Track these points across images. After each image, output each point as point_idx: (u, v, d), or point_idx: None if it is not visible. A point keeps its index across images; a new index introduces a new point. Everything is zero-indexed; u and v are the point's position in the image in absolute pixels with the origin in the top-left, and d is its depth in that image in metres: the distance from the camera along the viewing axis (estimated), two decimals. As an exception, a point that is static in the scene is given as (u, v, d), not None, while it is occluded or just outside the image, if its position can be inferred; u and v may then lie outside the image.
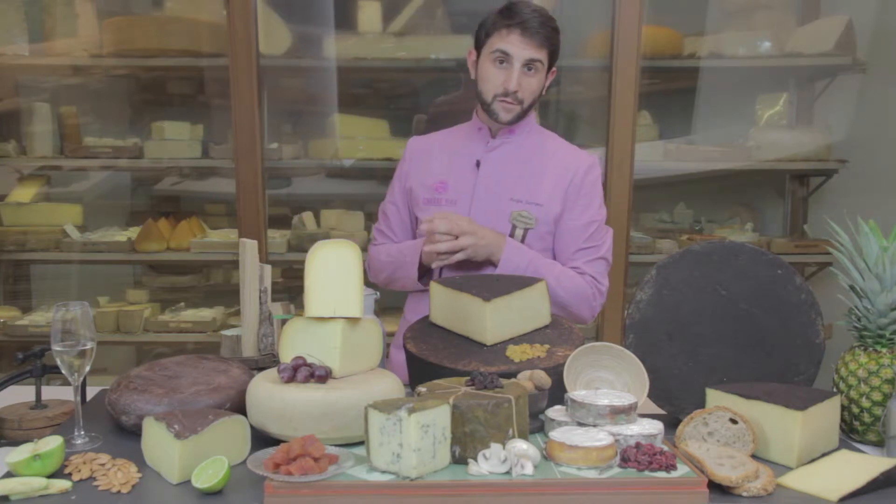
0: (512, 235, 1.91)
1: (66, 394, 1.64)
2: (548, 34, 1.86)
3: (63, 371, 1.43)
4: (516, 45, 1.84)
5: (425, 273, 1.96)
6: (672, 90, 3.49)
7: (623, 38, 2.84)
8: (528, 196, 1.93)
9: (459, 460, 1.27)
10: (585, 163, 1.97)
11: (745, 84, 3.48)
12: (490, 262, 1.89)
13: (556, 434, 1.30)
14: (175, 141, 3.18)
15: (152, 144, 3.17)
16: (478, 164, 1.97)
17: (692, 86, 3.34)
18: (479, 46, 1.93)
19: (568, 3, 3.25)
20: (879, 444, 1.51)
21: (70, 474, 1.29)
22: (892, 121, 3.14)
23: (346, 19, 3.18)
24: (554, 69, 1.96)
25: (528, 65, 1.86)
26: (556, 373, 1.49)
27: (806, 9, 3.33)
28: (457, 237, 1.83)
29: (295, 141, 3.27)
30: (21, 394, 1.64)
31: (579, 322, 1.93)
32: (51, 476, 1.27)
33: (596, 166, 1.98)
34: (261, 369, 1.62)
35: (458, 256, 1.84)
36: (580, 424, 1.37)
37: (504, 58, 1.86)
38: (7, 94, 3.35)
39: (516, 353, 1.58)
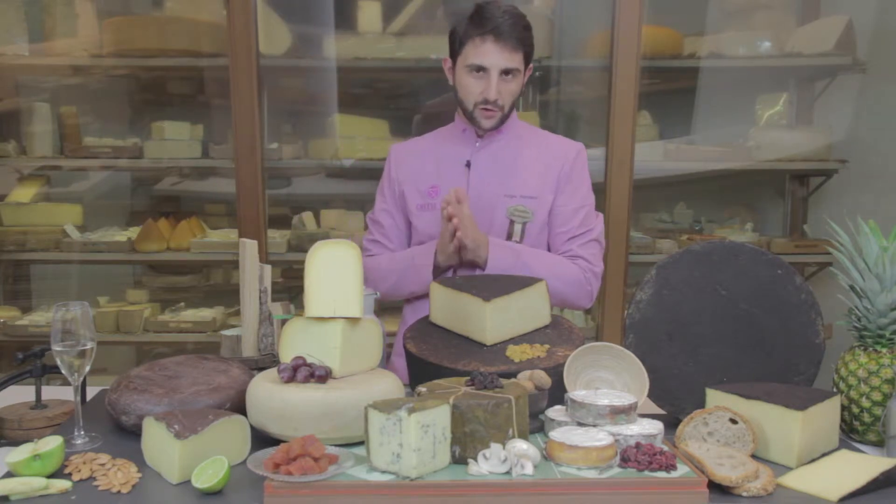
0: (511, 230, 1.92)
1: (66, 394, 1.64)
2: (520, 36, 1.85)
3: (63, 371, 1.43)
4: (491, 55, 1.83)
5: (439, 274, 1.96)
6: (672, 90, 3.49)
7: (623, 38, 2.84)
8: (521, 191, 1.95)
9: (459, 460, 1.27)
10: (573, 149, 2.00)
11: (745, 84, 3.48)
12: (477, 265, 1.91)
13: (556, 434, 1.30)
14: (175, 141, 3.18)
15: (152, 144, 3.16)
16: (468, 164, 1.97)
17: (692, 86, 3.34)
18: (453, 55, 1.93)
19: (568, 3, 3.25)
20: (879, 444, 1.51)
21: (70, 474, 1.29)
22: (892, 121, 3.14)
23: (346, 19, 3.18)
24: (531, 65, 1.95)
25: (505, 72, 1.86)
26: (556, 373, 1.49)
27: (806, 9, 3.33)
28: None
29: (295, 141, 3.27)
30: (21, 394, 1.64)
31: (579, 309, 1.95)
32: (51, 476, 1.27)
33: (583, 152, 2.01)
34: (261, 369, 1.62)
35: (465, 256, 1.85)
36: (580, 424, 1.37)
37: (480, 70, 1.86)
38: (7, 94, 3.35)
39: (516, 353, 1.58)
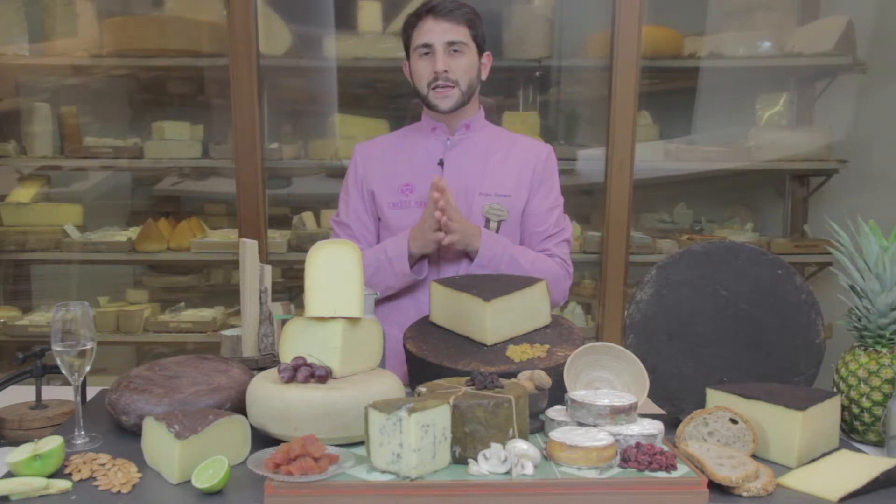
0: (486, 228, 1.92)
1: (66, 394, 1.64)
2: (463, 13, 1.89)
3: (63, 371, 1.43)
4: (432, 31, 1.88)
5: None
6: (672, 90, 3.49)
7: (623, 38, 2.84)
8: (495, 189, 1.96)
9: (459, 460, 1.27)
10: (544, 150, 2.03)
11: (745, 84, 3.48)
12: (465, 254, 1.90)
13: (556, 434, 1.30)
14: (175, 141, 3.18)
15: (152, 144, 3.17)
16: (441, 163, 1.97)
17: (692, 86, 3.34)
18: (409, 54, 1.96)
19: (568, 3, 3.25)
20: (879, 444, 1.51)
21: (70, 474, 1.29)
22: (892, 121, 3.14)
23: (346, 19, 3.18)
24: (488, 53, 1.98)
25: (451, 46, 1.88)
26: (556, 373, 1.49)
27: (806, 9, 3.34)
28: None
29: (295, 141, 3.28)
30: (21, 394, 1.64)
31: (555, 306, 1.97)
32: (51, 476, 1.27)
33: (552, 153, 2.04)
34: (261, 369, 1.62)
35: (446, 240, 1.84)
36: (580, 424, 1.37)
37: (426, 49, 1.89)
38: (7, 94, 3.36)
39: (516, 353, 1.58)
